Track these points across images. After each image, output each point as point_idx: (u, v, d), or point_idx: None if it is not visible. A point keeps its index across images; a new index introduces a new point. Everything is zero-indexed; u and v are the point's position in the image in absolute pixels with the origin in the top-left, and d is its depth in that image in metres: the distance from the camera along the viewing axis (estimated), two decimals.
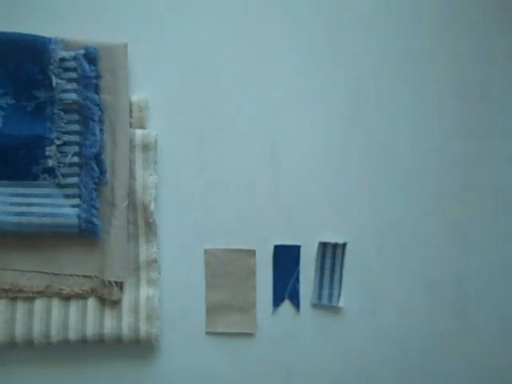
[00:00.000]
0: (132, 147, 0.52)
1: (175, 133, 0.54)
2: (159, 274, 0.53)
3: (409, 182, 0.55)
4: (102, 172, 0.51)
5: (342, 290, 0.55)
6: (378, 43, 0.55)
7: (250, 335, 0.55)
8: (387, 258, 0.55)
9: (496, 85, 0.55)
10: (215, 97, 0.54)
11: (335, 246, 0.54)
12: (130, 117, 0.52)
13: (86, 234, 0.51)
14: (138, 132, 0.52)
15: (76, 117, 0.51)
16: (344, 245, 0.54)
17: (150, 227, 0.53)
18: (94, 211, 0.50)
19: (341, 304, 0.55)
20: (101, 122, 0.51)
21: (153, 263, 0.53)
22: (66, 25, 0.52)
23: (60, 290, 0.51)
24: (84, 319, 0.51)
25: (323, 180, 0.55)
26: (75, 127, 0.51)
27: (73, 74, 0.50)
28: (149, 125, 0.53)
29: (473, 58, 0.55)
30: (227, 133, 0.54)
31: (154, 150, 0.53)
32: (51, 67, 0.50)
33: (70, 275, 0.51)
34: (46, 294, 0.51)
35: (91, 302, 0.52)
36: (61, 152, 0.51)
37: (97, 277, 0.51)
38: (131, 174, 0.52)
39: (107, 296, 0.51)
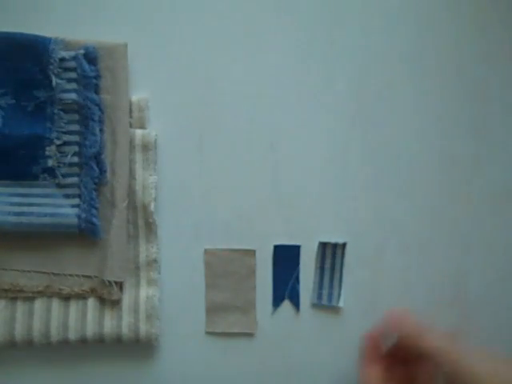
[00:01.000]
0: (132, 147, 0.52)
1: (175, 133, 0.54)
2: (159, 273, 0.53)
3: (409, 182, 0.55)
4: (102, 172, 0.51)
5: (342, 290, 0.55)
6: (379, 43, 0.54)
7: (249, 335, 0.55)
8: (387, 258, 0.55)
9: (496, 85, 0.55)
10: (215, 97, 0.54)
11: (335, 245, 0.54)
12: (130, 117, 0.52)
13: (86, 234, 0.51)
14: (138, 132, 0.52)
15: (76, 117, 0.51)
16: (344, 245, 0.54)
17: (150, 227, 0.53)
18: (93, 211, 0.50)
19: (341, 304, 0.55)
20: (101, 121, 0.51)
21: (153, 263, 0.53)
22: (66, 25, 0.52)
23: (60, 289, 0.51)
24: (84, 319, 0.51)
25: (323, 180, 0.55)
26: (75, 127, 0.51)
27: (73, 74, 0.50)
28: (149, 125, 0.53)
29: (473, 58, 0.55)
30: (227, 133, 0.54)
31: (154, 150, 0.53)
32: (51, 67, 0.50)
33: (70, 275, 0.51)
34: (46, 293, 0.51)
35: (91, 302, 0.52)
36: (61, 152, 0.50)
37: (97, 277, 0.51)
38: (131, 174, 0.52)
39: (107, 296, 0.51)
